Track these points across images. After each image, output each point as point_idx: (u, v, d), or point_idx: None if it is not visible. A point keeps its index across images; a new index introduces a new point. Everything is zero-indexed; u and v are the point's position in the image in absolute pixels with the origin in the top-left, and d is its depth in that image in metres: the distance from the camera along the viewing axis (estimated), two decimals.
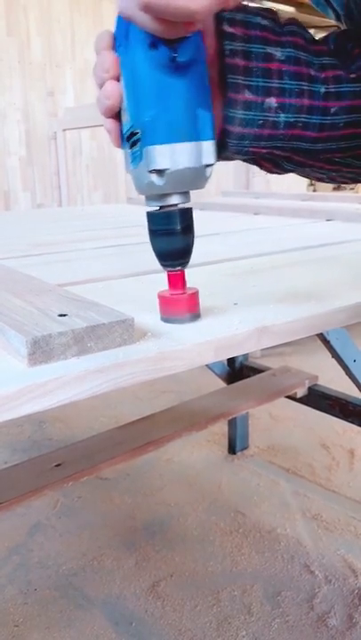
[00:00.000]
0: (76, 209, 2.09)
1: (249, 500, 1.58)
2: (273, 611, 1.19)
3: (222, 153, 0.43)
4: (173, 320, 0.47)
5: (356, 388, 1.31)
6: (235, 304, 0.54)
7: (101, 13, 3.61)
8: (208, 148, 0.41)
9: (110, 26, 0.41)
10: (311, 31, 0.42)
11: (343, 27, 0.45)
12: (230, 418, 1.52)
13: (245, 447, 1.85)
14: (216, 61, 0.40)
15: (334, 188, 3.87)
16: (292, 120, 0.41)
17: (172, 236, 0.44)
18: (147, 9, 0.33)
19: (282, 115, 0.41)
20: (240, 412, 1.38)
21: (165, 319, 0.48)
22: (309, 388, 1.48)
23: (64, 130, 2.82)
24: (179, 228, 0.44)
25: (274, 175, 0.50)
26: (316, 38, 0.43)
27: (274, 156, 0.45)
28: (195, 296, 0.48)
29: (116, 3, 0.36)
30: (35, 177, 3.48)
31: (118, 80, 0.40)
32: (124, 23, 0.39)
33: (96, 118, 2.71)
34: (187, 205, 0.44)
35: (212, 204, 1.62)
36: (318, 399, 1.48)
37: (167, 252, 0.45)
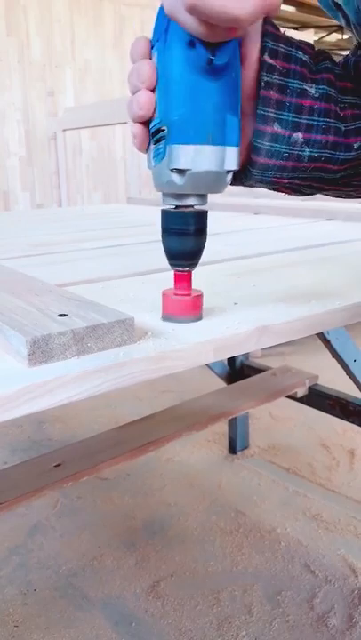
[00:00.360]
0: (76, 209, 2.09)
1: (249, 499, 1.58)
2: (273, 610, 1.19)
3: (246, 181, 0.44)
4: (174, 320, 0.47)
5: (356, 388, 1.30)
6: (235, 304, 0.54)
7: (101, 13, 3.60)
8: (232, 153, 0.40)
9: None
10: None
11: (352, 31, 0.45)
12: (230, 417, 1.52)
13: (246, 447, 1.85)
14: (253, 94, 0.40)
15: None
16: (315, 155, 0.42)
17: (184, 237, 0.44)
18: (192, 11, 0.33)
19: (307, 149, 0.41)
20: (240, 411, 1.37)
21: (167, 318, 0.47)
22: (310, 388, 1.48)
23: (64, 130, 2.82)
24: (192, 229, 0.43)
25: None
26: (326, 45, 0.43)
27: (294, 185, 0.46)
28: (199, 299, 0.47)
29: None
30: (34, 177, 3.48)
31: (153, 91, 0.40)
32: (165, 18, 0.38)
33: (96, 118, 2.72)
34: (203, 208, 0.44)
35: (212, 204, 1.60)
36: (319, 399, 1.48)
37: (178, 251, 0.44)
